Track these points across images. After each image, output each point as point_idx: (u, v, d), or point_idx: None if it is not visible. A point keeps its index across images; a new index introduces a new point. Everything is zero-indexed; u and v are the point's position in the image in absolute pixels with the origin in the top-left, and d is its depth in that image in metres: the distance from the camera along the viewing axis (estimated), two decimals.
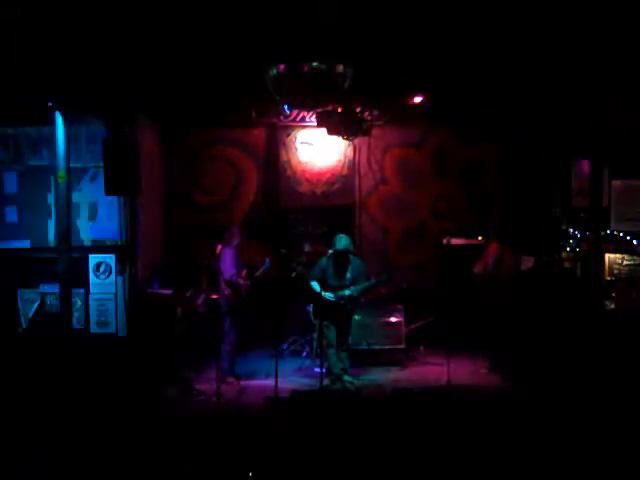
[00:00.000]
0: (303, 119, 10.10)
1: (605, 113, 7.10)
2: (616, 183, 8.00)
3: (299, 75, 6.45)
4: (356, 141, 10.10)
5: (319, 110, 8.71)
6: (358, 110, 9.43)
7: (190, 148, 10.27)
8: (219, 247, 7.85)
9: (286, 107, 9.34)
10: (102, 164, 7.43)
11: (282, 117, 10.03)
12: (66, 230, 7.46)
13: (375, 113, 9.85)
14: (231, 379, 7.91)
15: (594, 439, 5.59)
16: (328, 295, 7.81)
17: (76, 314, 8.03)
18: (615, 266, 7.82)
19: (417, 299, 9.74)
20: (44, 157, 8.24)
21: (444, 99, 9.05)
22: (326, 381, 7.69)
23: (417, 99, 8.99)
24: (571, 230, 8.69)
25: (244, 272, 8.02)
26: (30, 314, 8.02)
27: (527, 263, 9.02)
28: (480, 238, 8.56)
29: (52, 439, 6.14)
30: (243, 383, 7.98)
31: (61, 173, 7.35)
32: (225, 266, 7.82)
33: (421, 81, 8.15)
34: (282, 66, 6.51)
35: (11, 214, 8.28)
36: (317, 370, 8.08)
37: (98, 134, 8.01)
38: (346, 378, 7.94)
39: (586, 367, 6.45)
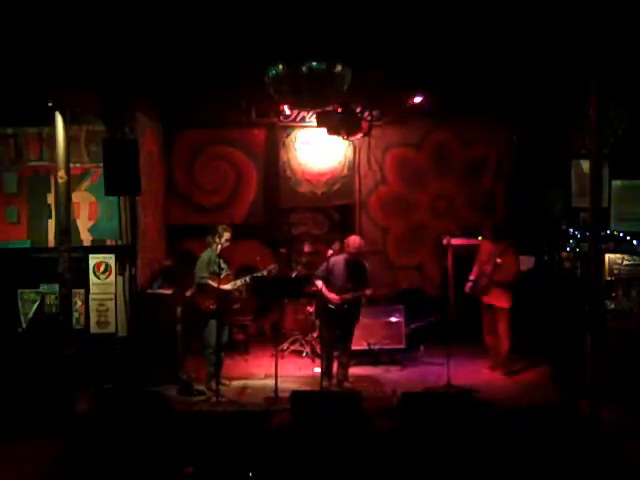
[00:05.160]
0: (303, 119, 10.11)
1: (606, 114, 7.11)
2: (616, 183, 8.00)
3: (298, 75, 6.46)
4: (356, 141, 10.10)
5: (319, 110, 8.71)
6: (358, 110, 9.43)
7: (190, 148, 10.28)
8: (219, 247, 7.83)
9: (286, 107, 9.35)
10: (102, 164, 7.42)
11: (282, 117, 10.04)
12: (66, 230, 7.46)
13: (375, 113, 9.86)
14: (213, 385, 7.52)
15: None
16: (332, 296, 7.73)
17: (76, 314, 8.02)
18: (615, 266, 7.81)
19: (417, 299, 9.77)
20: (44, 157, 8.24)
21: (444, 99, 9.07)
22: (326, 381, 7.70)
23: (417, 99, 9.01)
24: (571, 230, 8.69)
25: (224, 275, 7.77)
26: (30, 314, 8.02)
27: (527, 263, 9.03)
28: (480, 238, 8.56)
29: (52, 439, 6.15)
30: (241, 383, 8.00)
31: (61, 173, 7.35)
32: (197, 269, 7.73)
33: (421, 81, 8.14)
34: (281, 66, 6.51)
35: (11, 214, 8.27)
36: (317, 370, 8.09)
37: (98, 134, 8.01)
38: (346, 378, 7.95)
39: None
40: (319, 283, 7.74)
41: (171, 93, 8.57)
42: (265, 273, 8.00)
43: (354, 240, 7.74)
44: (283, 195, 10.48)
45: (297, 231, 10.51)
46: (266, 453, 5.49)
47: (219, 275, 7.57)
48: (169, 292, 8.27)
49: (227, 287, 7.71)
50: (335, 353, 7.94)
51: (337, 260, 7.82)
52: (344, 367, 7.92)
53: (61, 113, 7.21)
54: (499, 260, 8.08)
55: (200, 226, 9.36)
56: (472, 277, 8.36)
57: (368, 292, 7.72)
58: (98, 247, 8.28)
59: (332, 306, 7.64)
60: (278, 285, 8.13)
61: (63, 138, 7.27)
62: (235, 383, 8.00)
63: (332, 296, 7.62)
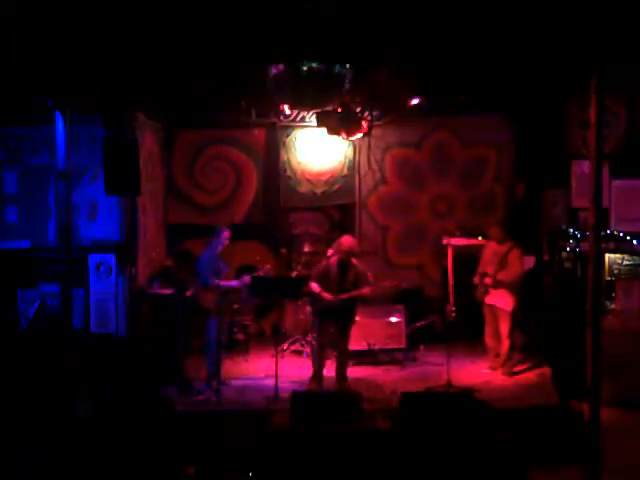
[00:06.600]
0: (303, 119, 10.10)
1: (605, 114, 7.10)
2: (616, 183, 8.01)
3: (298, 75, 6.46)
4: (356, 141, 10.10)
5: (319, 110, 8.70)
6: (358, 110, 9.42)
7: (190, 148, 10.28)
8: (219, 247, 7.82)
9: (286, 107, 9.35)
10: (102, 164, 7.43)
11: (282, 117, 10.03)
12: (66, 230, 7.46)
13: (375, 113, 9.85)
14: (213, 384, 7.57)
15: None
16: (327, 296, 7.69)
17: (76, 314, 8.02)
18: (615, 266, 7.82)
19: (417, 299, 9.76)
20: (44, 157, 8.24)
21: (444, 99, 9.06)
22: (314, 384, 7.69)
23: (414, 101, 9.01)
24: (571, 230, 8.69)
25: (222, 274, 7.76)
26: (30, 314, 8.02)
27: (527, 263, 9.03)
28: (480, 238, 8.56)
29: (52, 438, 6.14)
30: (243, 383, 8.00)
31: (61, 173, 7.35)
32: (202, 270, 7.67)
33: (421, 80, 8.14)
34: (281, 66, 6.52)
35: (11, 214, 8.28)
36: None
37: (98, 134, 8.01)
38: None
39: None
40: (315, 286, 7.69)
41: (171, 93, 8.56)
42: (262, 273, 8.01)
43: (346, 240, 7.69)
44: (283, 195, 10.48)
45: (297, 231, 10.51)
46: (266, 453, 5.50)
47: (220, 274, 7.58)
48: (169, 292, 8.27)
49: (235, 284, 7.73)
50: (333, 353, 7.95)
51: (330, 262, 7.75)
52: (342, 367, 7.89)
53: (61, 113, 7.22)
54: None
55: (200, 226, 9.39)
56: (480, 272, 8.32)
57: (365, 291, 7.68)
58: (98, 247, 8.28)
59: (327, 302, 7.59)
60: (278, 285, 8.12)
61: (63, 138, 7.27)
62: (235, 383, 7.99)
63: (327, 295, 7.57)
